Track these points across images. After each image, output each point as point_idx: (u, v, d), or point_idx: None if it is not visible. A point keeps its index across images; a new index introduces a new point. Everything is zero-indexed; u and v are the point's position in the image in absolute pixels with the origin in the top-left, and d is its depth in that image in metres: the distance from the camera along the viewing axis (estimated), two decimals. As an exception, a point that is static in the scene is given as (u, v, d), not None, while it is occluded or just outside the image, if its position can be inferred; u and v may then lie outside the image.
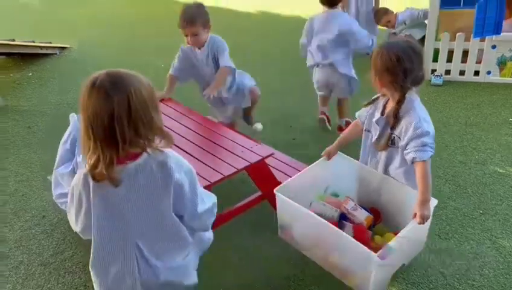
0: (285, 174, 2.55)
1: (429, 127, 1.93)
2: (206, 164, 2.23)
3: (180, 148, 2.37)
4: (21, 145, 3.62)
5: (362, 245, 1.84)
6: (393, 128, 1.99)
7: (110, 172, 1.32)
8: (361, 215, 2.17)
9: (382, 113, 2.06)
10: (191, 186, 1.48)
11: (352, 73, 3.24)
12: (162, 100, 2.91)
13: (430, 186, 1.92)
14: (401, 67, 1.86)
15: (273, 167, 2.55)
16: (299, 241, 2.27)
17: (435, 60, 4.24)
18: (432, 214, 1.94)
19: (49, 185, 2.78)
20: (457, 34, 4.09)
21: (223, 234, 2.39)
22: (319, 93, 3.43)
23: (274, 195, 2.48)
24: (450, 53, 4.20)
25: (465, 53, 4.17)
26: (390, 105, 2.02)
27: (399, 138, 1.98)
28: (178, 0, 8.77)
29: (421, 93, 2.20)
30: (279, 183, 2.42)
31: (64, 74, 4.97)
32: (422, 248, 2.28)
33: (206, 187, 2.10)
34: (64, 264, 2.39)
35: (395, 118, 1.95)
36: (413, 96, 1.97)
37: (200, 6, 2.80)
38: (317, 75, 3.32)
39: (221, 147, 2.42)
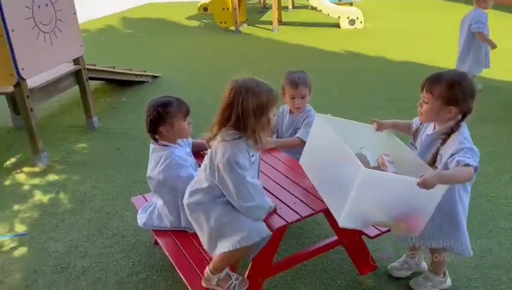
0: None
1: (473, 146, 1.91)
2: (284, 203, 2.20)
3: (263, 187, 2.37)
4: (110, 165, 3.86)
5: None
6: (442, 144, 1.99)
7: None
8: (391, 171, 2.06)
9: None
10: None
11: None
12: None
13: (453, 179, 1.85)
14: (474, 97, 1.95)
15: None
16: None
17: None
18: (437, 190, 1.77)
19: (130, 206, 2.92)
20: None
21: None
22: None
23: (351, 242, 2.39)
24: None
25: None
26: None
27: (441, 156, 1.97)
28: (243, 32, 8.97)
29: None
30: (358, 230, 2.31)
31: (154, 101, 5.30)
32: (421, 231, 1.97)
33: (282, 227, 2.07)
34: (137, 286, 2.44)
35: (448, 135, 1.97)
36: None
37: (305, 72, 2.82)
38: None
39: (300, 186, 2.38)
